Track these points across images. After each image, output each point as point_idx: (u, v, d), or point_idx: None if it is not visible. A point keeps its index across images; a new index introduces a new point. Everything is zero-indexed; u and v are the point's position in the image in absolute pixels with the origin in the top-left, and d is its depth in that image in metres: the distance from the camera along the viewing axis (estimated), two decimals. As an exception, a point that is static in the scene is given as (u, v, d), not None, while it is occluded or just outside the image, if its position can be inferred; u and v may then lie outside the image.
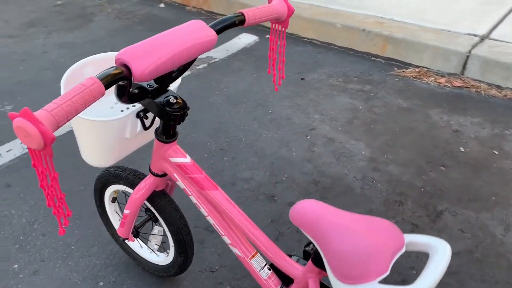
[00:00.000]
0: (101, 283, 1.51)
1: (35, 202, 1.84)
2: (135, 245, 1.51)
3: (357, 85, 2.78)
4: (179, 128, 1.11)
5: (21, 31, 3.62)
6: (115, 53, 1.09)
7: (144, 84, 0.93)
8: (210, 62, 3.11)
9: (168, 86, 0.98)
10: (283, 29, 1.11)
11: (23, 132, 0.60)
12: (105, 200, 1.45)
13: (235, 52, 3.27)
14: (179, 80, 1.12)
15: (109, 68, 0.73)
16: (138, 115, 1.05)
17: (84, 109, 0.67)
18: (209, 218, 1.10)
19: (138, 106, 1.03)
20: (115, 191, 1.41)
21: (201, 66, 3.04)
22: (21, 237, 1.69)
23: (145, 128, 1.09)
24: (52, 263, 1.59)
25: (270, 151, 2.17)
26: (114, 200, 1.44)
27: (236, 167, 2.06)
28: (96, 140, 1.06)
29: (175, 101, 0.96)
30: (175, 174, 1.09)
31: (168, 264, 1.42)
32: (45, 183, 0.70)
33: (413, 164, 2.08)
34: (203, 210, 1.09)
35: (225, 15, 1.00)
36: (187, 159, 1.07)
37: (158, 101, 0.95)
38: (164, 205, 1.24)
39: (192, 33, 0.87)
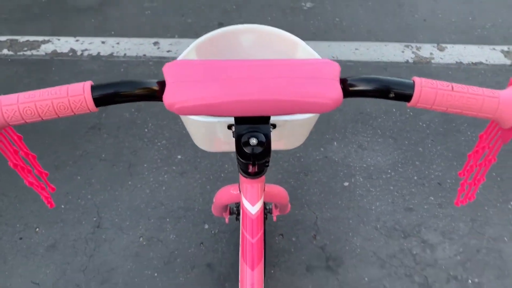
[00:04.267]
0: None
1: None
2: None
3: None
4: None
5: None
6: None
7: None
8: None
9: (267, 119, 0.67)
10: (499, 141, 0.60)
11: None
12: None
13: None
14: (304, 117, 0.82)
15: (138, 81, 0.54)
16: (229, 127, 0.91)
17: (55, 117, 0.53)
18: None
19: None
20: None
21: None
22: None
23: None
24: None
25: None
26: None
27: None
28: (191, 128, 1.03)
29: (255, 143, 0.64)
30: (241, 213, 0.87)
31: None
32: (13, 163, 0.59)
33: None
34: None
35: None
36: (253, 209, 0.81)
37: (238, 130, 0.66)
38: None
39: (304, 78, 0.53)
